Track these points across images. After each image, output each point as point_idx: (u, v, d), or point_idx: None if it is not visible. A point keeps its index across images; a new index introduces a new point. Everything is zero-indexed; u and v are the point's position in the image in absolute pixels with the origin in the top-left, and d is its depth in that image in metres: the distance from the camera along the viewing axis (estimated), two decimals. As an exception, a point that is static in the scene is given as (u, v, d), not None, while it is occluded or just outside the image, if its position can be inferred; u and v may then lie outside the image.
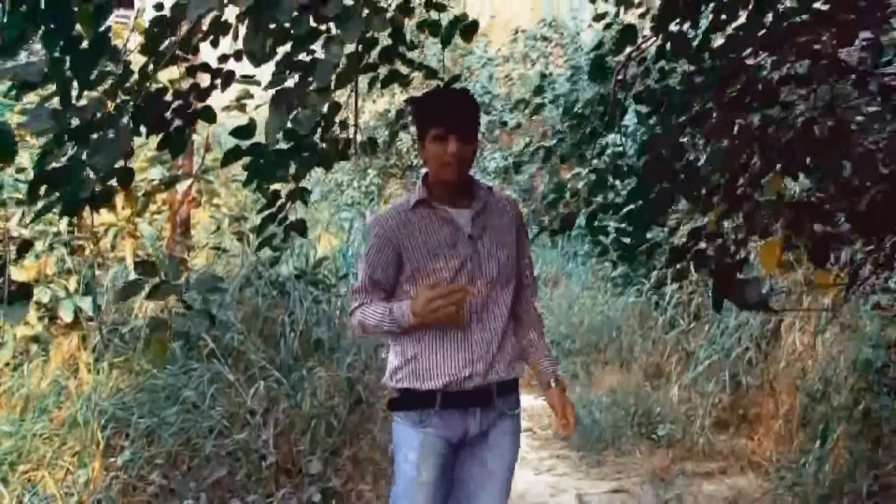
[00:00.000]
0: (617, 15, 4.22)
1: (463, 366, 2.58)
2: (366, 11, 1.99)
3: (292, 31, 2.28)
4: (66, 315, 4.93)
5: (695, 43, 3.24)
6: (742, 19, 3.15)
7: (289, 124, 2.39)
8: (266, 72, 2.69)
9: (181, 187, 6.19)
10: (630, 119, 4.04)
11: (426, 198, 2.63)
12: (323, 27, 2.25)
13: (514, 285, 2.70)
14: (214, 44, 2.96)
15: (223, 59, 2.96)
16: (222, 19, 2.80)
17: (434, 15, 3.56)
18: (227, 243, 6.72)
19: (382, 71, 3.36)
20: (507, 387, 2.68)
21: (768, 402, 6.10)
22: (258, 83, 3.00)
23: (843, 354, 5.40)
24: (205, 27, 2.89)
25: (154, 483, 3.99)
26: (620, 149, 3.86)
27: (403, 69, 3.50)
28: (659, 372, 7.14)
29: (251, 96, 3.94)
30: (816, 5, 2.97)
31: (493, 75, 14.92)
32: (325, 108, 3.00)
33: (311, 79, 2.44)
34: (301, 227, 3.27)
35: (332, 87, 2.66)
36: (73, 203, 2.45)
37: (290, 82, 2.50)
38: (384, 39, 3.28)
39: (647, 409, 6.37)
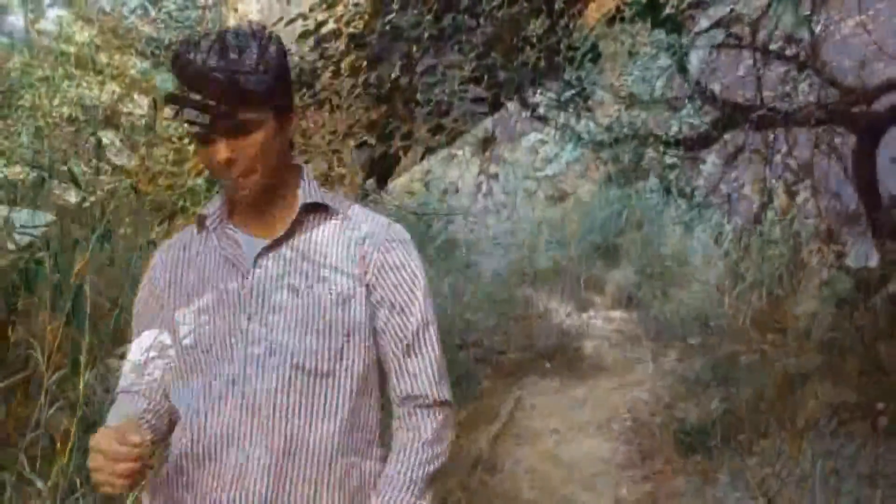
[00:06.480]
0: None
1: None
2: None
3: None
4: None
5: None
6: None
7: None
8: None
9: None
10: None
11: (216, 213, 1.59)
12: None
13: (343, 379, 1.49)
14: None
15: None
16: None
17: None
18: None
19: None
20: None
21: (794, 307, 8.46)
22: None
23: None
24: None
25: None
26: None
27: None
28: (716, 289, 9.52)
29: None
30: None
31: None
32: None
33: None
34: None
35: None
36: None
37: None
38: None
39: (704, 312, 8.79)
